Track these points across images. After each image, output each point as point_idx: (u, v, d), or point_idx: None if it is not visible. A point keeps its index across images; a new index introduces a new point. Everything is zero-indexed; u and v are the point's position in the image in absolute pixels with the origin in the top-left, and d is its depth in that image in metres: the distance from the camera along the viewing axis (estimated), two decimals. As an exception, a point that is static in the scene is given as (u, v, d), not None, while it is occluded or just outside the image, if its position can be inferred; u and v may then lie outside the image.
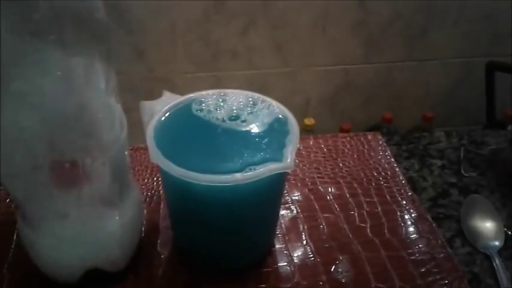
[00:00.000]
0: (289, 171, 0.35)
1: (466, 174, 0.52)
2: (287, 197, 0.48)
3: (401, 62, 1.22)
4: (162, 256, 0.42)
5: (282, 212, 0.46)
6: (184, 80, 1.17)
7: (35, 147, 0.31)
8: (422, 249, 0.42)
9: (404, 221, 0.45)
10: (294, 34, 1.14)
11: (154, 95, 0.43)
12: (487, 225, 0.45)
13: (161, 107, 0.40)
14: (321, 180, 0.50)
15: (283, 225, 0.45)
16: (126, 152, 0.37)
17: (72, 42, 0.28)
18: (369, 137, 0.56)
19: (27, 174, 0.32)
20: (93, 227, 0.35)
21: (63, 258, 0.36)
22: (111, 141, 0.34)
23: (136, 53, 1.10)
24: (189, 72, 1.16)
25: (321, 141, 0.56)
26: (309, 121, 1.14)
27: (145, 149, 0.50)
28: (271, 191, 0.38)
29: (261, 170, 0.34)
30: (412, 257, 0.42)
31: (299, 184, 0.50)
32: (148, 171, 0.51)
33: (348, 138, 0.56)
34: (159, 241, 0.43)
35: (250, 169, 0.34)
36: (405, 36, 1.18)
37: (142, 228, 0.42)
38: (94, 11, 0.29)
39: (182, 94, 0.42)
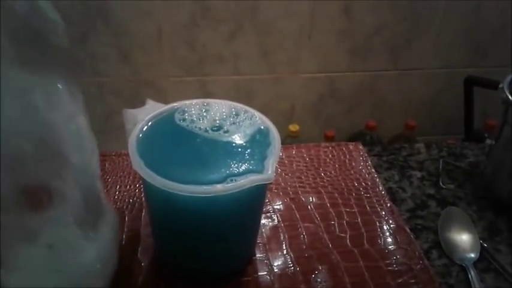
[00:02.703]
0: (269, 182, 0.36)
1: (444, 186, 0.53)
2: (269, 206, 0.48)
3: (385, 70, 1.23)
4: (143, 264, 0.42)
5: (264, 221, 0.47)
6: (169, 84, 1.17)
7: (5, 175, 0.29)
8: (400, 260, 0.43)
9: (383, 231, 0.46)
10: (280, 41, 1.15)
11: (138, 98, 0.43)
12: (463, 238, 0.46)
13: (144, 116, 0.40)
14: (303, 189, 0.51)
15: (264, 234, 0.45)
16: (98, 179, 0.36)
17: (31, 63, 0.28)
18: (351, 147, 0.57)
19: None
20: (64, 259, 0.33)
21: None
22: (80, 165, 0.33)
23: (122, 56, 1.09)
24: (175, 76, 1.16)
25: (303, 150, 0.57)
26: (294, 127, 1.15)
27: (128, 155, 0.50)
28: (252, 201, 0.39)
29: (242, 181, 0.34)
30: (390, 268, 0.42)
31: (281, 193, 0.50)
32: (131, 177, 0.51)
33: (330, 148, 0.57)
34: (139, 249, 0.43)
35: (232, 180, 0.34)
36: (389, 46, 1.19)
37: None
38: (54, 34, 0.29)
39: (167, 98, 0.43)
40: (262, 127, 0.40)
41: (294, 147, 0.57)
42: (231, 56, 1.15)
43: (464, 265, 0.44)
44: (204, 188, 0.33)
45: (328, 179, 0.52)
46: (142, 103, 0.43)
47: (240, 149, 0.38)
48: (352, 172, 0.53)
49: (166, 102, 0.43)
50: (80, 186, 0.33)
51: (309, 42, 1.16)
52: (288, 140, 1.11)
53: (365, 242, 0.45)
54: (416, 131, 1.21)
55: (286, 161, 0.55)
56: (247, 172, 0.35)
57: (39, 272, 0.33)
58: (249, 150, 0.37)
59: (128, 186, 0.50)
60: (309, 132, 1.23)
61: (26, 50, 0.28)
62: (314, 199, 0.50)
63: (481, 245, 0.46)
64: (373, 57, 1.20)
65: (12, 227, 0.32)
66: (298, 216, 0.48)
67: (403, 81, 1.24)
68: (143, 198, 0.48)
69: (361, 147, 0.57)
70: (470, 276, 0.42)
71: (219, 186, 0.33)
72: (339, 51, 1.18)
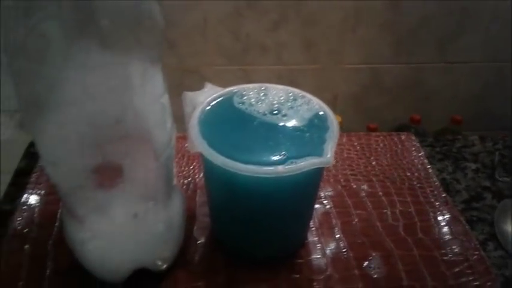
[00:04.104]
0: (328, 166, 0.36)
1: (500, 179, 0.52)
2: (320, 192, 0.49)
3: (430, 63, 1.21)
4: (198, 242, 0.43)
5: (315, 206, 0.47)
6: (213, 73, 1.18)
7: (84, 150, 0.32)
8: (455, 250, 0.43)
9: (437, 222, 0.46)
10: (324, 32, 1.14)
11: (183, 86, 0.43)
12: (520, 230, 0.45)
13: (204, 98, 0.41)
14: (354, 177, 0.51)
15: (316, 219, 0.46)
16: (173, 154, 0.38)
17: (127, 44, 0.29)
18: (402, 137, 0.57)
19: (75, 174, 0.33)
20: (141, 227, 0.36)
21: (112, 261, 0.36)
22: (162, 141, 0.35)
23: (168, 44, 1.11)
24: (218, 65, 1.17)
25: (353, 138, 0.57)
26: (336, 119, 1.14)
27: (182, 137, 0.52)
28: (310, 184, 0.39)
29: (302, 163, 0.34)
30: (445, 258, 0.42)
31: (332, 180, 0.51)
32: (185, 159, 0.52)
33: (381, 137, 0.57)
34: (195, 228, 0.44)
35: (292, 162, 0.35)
36: (436, 38, 1.17)
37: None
38: (152, 14, 0.30)
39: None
40: (320, 112, 0.40)
41: (345, 135, 0.57)
42: (275, 45, 1.16)
43: (521, 258, 0.43)
44: (266, 168, 0.34)
45: (380, 167, 0.52)
46: (186, 90, 0.43)
47: (298, 133, 0.38)
48: (404, 162, 0.53)
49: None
50: (161, 161, 0.34)
51: (353, 32, 1.15)
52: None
53: (419, 231, 0.45)
54: (462, 126, 1.19)
55: (336, 149, 0.55)
56: (306, 155, 0.35)
57: (118, 241, 0.35)
58: (307, 134, 0.38)
59: (182, 168, 0.51)
60: (351, 123, 1.22)
61: (124, 32, 0.29)
62: (366, 187, 0.50)
63: (539, 239, 0.45)
64: (418, 50, 1.18)
65: (86, 200, 0.34)
66: (350, 203, 0.48)
67: (449, 74, 1.22)
68: (197, 179, 0.50)
69: (413, 137, 0.56)
70: (527, 270, 0.42)
71: (280, 168, 0.34)
72: (383, 42, 1.17)
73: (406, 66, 1.21)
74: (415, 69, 1.22)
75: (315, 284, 0.40)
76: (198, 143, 0.36)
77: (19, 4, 0.27)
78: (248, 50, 1.15)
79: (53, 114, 0.31)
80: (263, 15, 1.11)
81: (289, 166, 0.34)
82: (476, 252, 0.42)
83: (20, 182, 0.49)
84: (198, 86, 0.45)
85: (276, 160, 0.35)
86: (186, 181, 0.49)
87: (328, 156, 0.35)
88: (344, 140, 0.56)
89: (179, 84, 1.15)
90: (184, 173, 0.50)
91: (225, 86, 0.44)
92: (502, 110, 1.23)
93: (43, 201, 0.47)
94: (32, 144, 0.55)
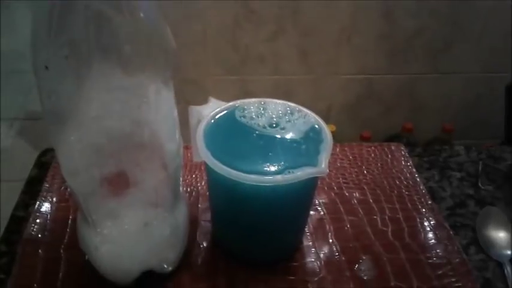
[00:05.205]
0: (323, 175, 0.39)
1: (483, 187, 0.55)
2: (315, 199, 0.52)
3: (424, 74, 1.25)
4: (201, 246, 0.46)
5: (310, 212, 0.50)
6: (212, 82, 1.21)
7: (100, 160, 0.35)
8: (440, 253, 0.46)
9: (423, 227, 0.49)
10: (320, 42, 1.18)
11: (182, 95, 0.46)
12: (500, 235, 0.49)
13: (208, 112, 0.44)
14: (346, 185, 0.54)
15: (310, 225, 0.49)
16: (181, 164, 0.41)
17: (144, 67, 0.32)
18: (393, 147, 0.60)
19: (90, 182, 0.36)
20: (150, 233, 0.39)
21: (123, 264, 0.39)
22: (172, 152, 0.38)
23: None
24: (217, 75, 1.21)
25: (346, 149, 0.60)
26: (330, 128, 1.17)
27: (185, 147, 0.55)
28: (305, 192, 0.42)
29: (299, 173, 0.38)
30: (430, 261, 0.45)
31: (326, 188, 0.54)
32: (188, 168, 0.55)
33: (373, 147, 0.60)
34: (198, 232, 0.48)
35: (289, 172, 0.38)
36: (429, 49, 1.20)
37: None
38: (166, 38, 0.33)
39: (208, 96, 0.46)
40: (315, 125, 0.43)
41: (338, 146, 0.60)
42: (272, 56, 1.19)
43: (501, 261, 0.46)
44: (266, 178, 0.37)
45: (371, 176, 0.56)
46: (185, 100, 0.46)
47: (295, 144, 0.41)
48: (394, 171, 0.56)
49: (207, 99, 0.47)
50: (170, 171, 0.37)
51: (348, 43, 1.19)
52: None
53: (406, 236, 0.48)
54: (453, 135, 1.22)
55: (330, 158, 0.58)
56: (302, 165, 0.39)
57: (128, 245, 0.38)
58: (303, 146, 0.41)
59: (186, 176, 0.54)
60: (345, 133, 1.25)
61: (146, 54, 0.32)
62: (357, 195, 0.53)
63: (518, 243, 0.48)
64: (412, 60, 1.22)
65: (100, 206, 0.37)
66: (342, 209, 0.51)
67: (442, 84, 1.25)
68: (199, 187, 0.53)
69: (402, 147, 0.60)
70: (506, 272, 0.45)
71: (278, 177, 0.37)
72: (378, 53, 1.20)
73: (400, 76, 1.25)
74: (409, 80, 1.26)
75: (309, 285, 0.43)
76: (203, 154, 0.39)
77: (48, 26, 0.30)
78: (246, 61, 1.19)
79: (73, 129, 0.34)
80: (261, 26, 1.14)
81: (287, 176, 0.38)
82: (459, 256, 0.46)
83: (32, 189, 0.53)
84: (197, 96, 0.48)
85: (275, 170, 0.38)
86: (189, 189, 0.53)
87: (323, 166, 0.39)
88: (337, 150, 0.60)
89: (178, 93, 1.18)
90: (187, 181, 0.54)
91: (223, 95, 0.47)
92: (493, 119, 1.26)
93: (55, 208, 0.50)
94: (42, 154, 0.58)
